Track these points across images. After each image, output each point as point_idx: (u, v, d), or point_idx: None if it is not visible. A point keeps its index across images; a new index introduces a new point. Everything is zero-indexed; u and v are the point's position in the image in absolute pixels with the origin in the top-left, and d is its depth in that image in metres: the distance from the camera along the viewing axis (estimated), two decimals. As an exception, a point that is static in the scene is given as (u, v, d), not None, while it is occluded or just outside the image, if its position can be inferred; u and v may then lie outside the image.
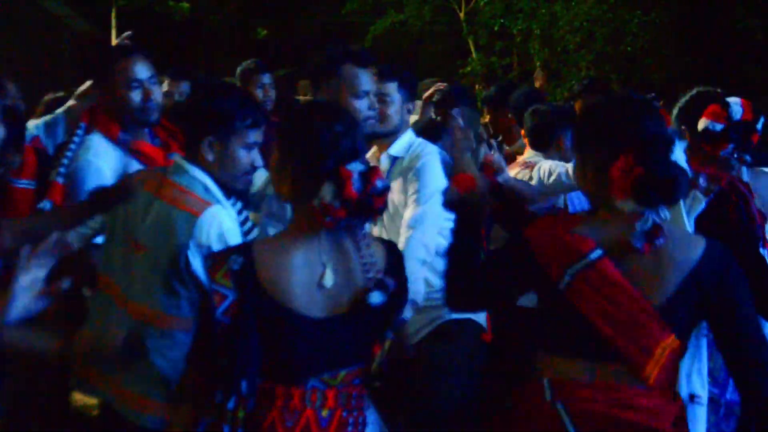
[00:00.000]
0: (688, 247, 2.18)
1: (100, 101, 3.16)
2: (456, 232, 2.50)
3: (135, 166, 3.09)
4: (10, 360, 3.23)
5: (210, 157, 2.56)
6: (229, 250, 2.20)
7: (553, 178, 3.84)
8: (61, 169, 3.10)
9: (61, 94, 5.53)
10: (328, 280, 2.12)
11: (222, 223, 2.50)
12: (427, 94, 5.12)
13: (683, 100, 3.12)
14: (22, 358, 3.42)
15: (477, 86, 15.87)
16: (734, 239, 2.66)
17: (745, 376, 2.17)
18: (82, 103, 3.65)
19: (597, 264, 2.18)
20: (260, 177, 3.35)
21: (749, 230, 2.85)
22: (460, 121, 2.71)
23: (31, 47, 16.21)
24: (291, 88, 8.70)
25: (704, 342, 2.86)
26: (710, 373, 2.97)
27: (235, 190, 2.66)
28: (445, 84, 5.34)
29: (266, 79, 5.39)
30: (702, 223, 2.84)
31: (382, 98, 3.33)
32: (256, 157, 2.61)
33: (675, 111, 3.12)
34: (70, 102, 3.85)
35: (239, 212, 2.69)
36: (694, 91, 3.15)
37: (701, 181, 2.80)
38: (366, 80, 3.04)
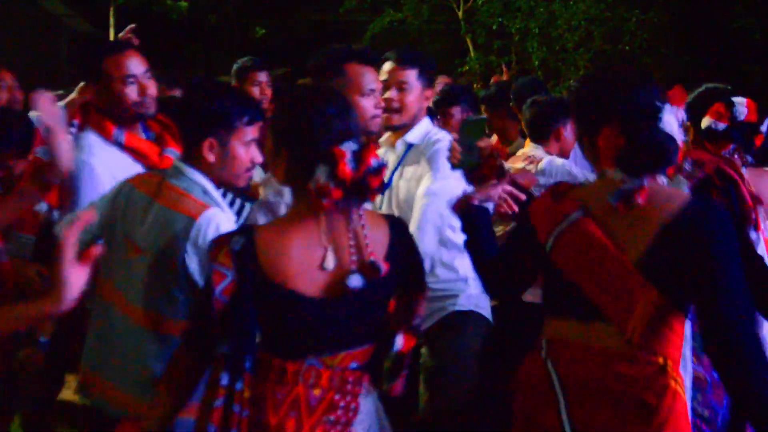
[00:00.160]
0: (667, 202, 2.16)
1: (94, 98, 3.14)
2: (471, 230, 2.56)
3: (129, 163, 3.08)
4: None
5: (211, 158, 2.56)
6: (232, 233, 2.22)
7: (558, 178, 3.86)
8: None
9: (60, 92, 5.54)
10: (330, 262, 2.12)
11: (219, 225, 2.50)
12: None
13: (691, 96, 3.10)
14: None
15: (475, 85, 15.87)
16: None
17: (722, 363, 2.05)
18: (84, 97, 3.65)
19: (577, 223, 2.23)
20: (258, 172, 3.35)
21: (737, 214, 2.83)
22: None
23: (30, 46, 16.21)
24: (289, 86, 8.68)
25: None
26: (694, 352, 2.94)
27: (237, 187, 2.68)
28: (449, 79, 5.31)
29: (262, 77, 5.38)
30: None
31: (401, 86, 3.27)
32: (255, 153, 2.62)
33: (684, 106, 3.11)
34: (72, 95, 3.85)
35: (238, 212, 2.69)
36: (702, 88, 3.13)
37: (686, 165, 2.81)
38: (371, 78, 3.02)
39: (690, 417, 2.26)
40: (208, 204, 2.54)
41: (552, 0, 15.90)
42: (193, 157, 2.59)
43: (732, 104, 2.97)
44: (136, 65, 3.11)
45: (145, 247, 2.57)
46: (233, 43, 21.53)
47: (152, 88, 3.14)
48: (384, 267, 2.10)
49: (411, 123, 3.31)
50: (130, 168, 3.02)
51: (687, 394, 2.54)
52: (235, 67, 5.42)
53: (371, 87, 2.99)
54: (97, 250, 1.92)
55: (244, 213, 2.91)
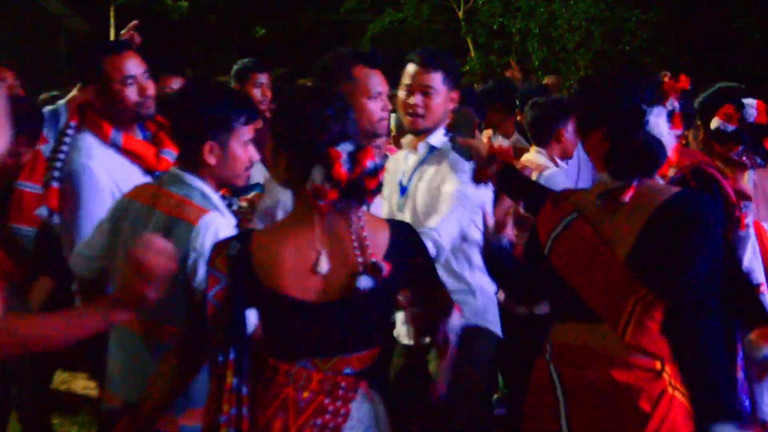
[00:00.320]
0: (654, 196, 2.17)
1: (93, 99, 3.12)
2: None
3: (126, 165, 3.06)
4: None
5: (212, 160, 2.56)
6: (231, 238, 2.23)
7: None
8: (55, 173, 3.07)
9: (55, 92, 5.54)
10: (323, 266, 2.11)
11: (218, 230, 2.50)
12: None
13: (703, 95, 3.08)
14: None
15: (476, 85, 15.85)
16: None
17: (677, 351, 2.09)
18: (83, 94, 3.63)
19: (571, 225, 2.26)
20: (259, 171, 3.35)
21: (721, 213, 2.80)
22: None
23: (30, 45, 16.19)
24: (289, 87, 8.68)
25: None
26: None
27: (237, 187, 2.68)
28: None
29: (263, 78, 5.38)
30: None
31: (425, 90, 3.22)
32: (252, 151, 2.63)
33: (695, 104, 3.08)
34: (74, 92, 3.84)
35: (228, 206, 2.69)
36: (715, 87, 3.10)
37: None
38: (378, 81, 3.00)
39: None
40: (207, 209, 2.53)
41: (552, 0, 15.90)
42: (191, 162, 2.59)
43: (742, 106, 2.96)
44: (135, 66, 3.10)
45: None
46: (233, 43, 21.52)
47: (151, 89, 3.13)
48: (386, 267, 2.09)
49: (435, 127, 3.27)
50: (128, 170, 3.01)
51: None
52: (235, 68, 5.41)
53: (378, 90, 2.97)
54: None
55: (233, 208, 2.91)
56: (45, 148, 3.86)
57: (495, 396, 4.63)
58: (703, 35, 16.20)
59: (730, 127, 2.93)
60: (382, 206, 3.39)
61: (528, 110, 4.41)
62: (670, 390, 2.14)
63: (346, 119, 2.17)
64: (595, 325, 2.19)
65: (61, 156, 3.09)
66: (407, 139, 3.36)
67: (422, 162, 3.26)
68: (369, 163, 2.08)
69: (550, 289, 2.35)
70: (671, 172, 2.70)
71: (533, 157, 4.33)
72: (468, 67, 16.69)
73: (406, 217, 3.22)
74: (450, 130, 3.16)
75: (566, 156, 4.35)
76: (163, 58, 5.43)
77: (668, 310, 2.09)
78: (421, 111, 3.22)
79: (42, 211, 3.08)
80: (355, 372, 2.17)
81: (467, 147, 2.85)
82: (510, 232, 2.97)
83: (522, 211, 3.26)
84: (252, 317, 2.11)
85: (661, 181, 2.26)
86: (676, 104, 2.59)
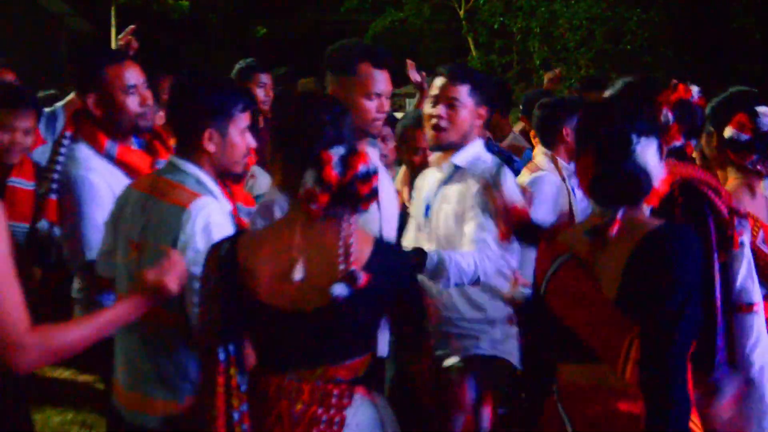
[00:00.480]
0: (637, 230, 2.15)
1: (92, 108, 3.09)
2: None
3: (121, 176, 3.05)
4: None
5: (212, 148, 2.57)
6: (225, 238, 2.20)
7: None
8: (53, 185, 3.06)
9: (52, 91, 5.53)
10: (297, 273, 2.07)
11: (210, 214, 2.49)
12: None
13: (716, 100, 3.04)
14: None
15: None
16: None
17: (644, 386, 2.08)
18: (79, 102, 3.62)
19: (564, 266, 2.23)
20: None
21: (711, 231, 2.76)
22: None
23: (31, 45, 16.23)
24: (291, 86, 8.68)
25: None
26: None
27: (235, 174, 2.70)
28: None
29: (266, 78, 5.37)
30: None
31: (450, 102, 3.10)
32: (250, 139, 2.64)
33: (708, 109, 3.03)
34: (71, 96, 3.81)
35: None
36: (727, 92, 3.05)
37: None
38: (380, 82, 2.92)
39: None
40: (200, 193, 2.54)
41: (553, -1, 15.95)
42: (189, 151, 2.60)
43: (756, 114, 2.92)
44: (136, 75, 3.09)
45: (142, 242, 2.57)
46: (234, 43, 21.55)
47: (150, 99, 3.12)
48: (363, 277, 2.03)
49: (461, 142, 3.14)
50: (124, 181, 3.00)
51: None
52: (237, 68, 5.39)
53: (378, 91, 2.90)
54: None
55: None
56: (42, 149, 3.85)
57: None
58: (703, 35, 16.21)
59: (744, 137, 2.89)
60: (410, 224, 3.34)
61: (535, 112, 4.41)
62: None
63: (343, 124, 2.14)
64: (597, 365, 2.19)
65: (58, 167, 3.06)
66: (435, 156, 3.28)
67: (446, 182, 3.18)
68: (361, 168, 2.03)
69: (549, 330, 2.33)
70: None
71: (536, 158, 4.33)
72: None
73: (427, 238, 3.17)
74: None
75: (573, 157, 4.32)
76: (161, 59, 5.42)
77: (641, 342, 2.10)
78: (444, 123, 3.10)
79: (42, 225, 3.06)
80: (346, 380, 2.12)
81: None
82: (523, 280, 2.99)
83: None
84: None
85: (647, 212, 2.24)
86: (670, 116, 2.58)
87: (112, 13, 18.02)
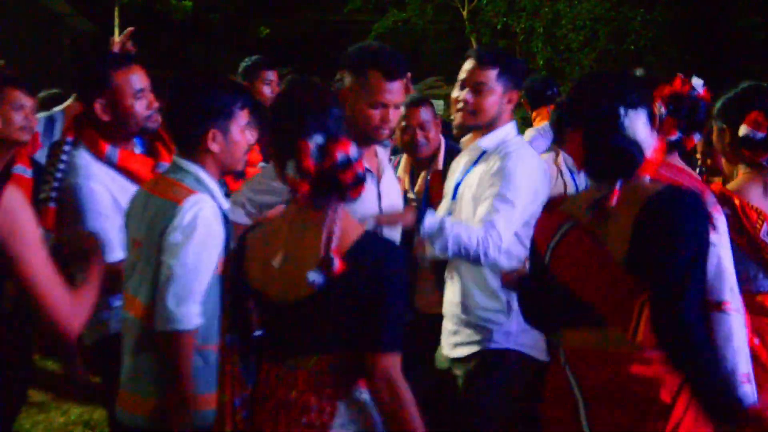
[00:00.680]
0: (639, 196, 2.19)
1: (99, 114, 3.05)
2: None
3: (122, 182, 3.04)
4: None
5: (215, 148, 2.59)
6: (243, 232, 2.28)
7: None
8: (53, 194, 3.04)
9: (55, 91, 5.51)
10: (276, 261, 2.10)
11: (200, 210, 2.50)
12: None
13: (727, 96, 3.01)
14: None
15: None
16: None
17: (668, 348, 2.13)
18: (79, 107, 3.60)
19: (568, 234, 2.26)
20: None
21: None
22: None
23: (33, 45, 16.24)
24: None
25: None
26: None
27: (237, 171, 2.73)
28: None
29: (272, 75, 5.35)
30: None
31: (478, 87, 3.04)
32: (249, 136, 2.66)
33: (718, 105, 3.01)
34: (69, 101, 3.80)
35: None
36: (739, 89, 3.02)
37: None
38: (388, 93, 2.85)
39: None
40: (195, 190, 2.55)
41: (557, 0, 15.92)
42: (191, 152, 2.60)
43: None
44: (143, 79, 3.09)
45: (142, 239, 2.59)
46: (237, 43, 21.54)
47: (155, 102, 3.12)
48: (338, 263, 2.02)
49: (489, 126, 3.09)
50: (125, 186, 2.99)
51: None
52: (243, 65, 5.37)
53: (384, 102, 2.87)
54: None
55: None
56: (40, 153, 3.83)
57: None
58: (707, 35, 16.19)
59: (760, 135, 2.87)
60: (441, 206, 3.29)
61: (552, 113, 4.42)
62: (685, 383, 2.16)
63: (328, 116, 2.14)
64: (606, 329, 2.20)
65: (58, 175, 3.05)
66: (466, 138, 3.24)
67: (473, 165, 3.14)
68: (340, 156, 2.03)
69: (554, 298, 2.34)
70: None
71: (527, 133, 4.42)
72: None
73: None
74: None
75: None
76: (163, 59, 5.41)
77: (652, 302, 2.12)
78: (470, 108, 3.09)
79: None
80: (340, 370, 2.11)
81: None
82: None
83: None
84: None
85: (646, 179, 2.25)
86: (663, 110, 2.58)
87: (115, 13, 18.00)
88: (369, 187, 2.84)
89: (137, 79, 3.05)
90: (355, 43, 3.08)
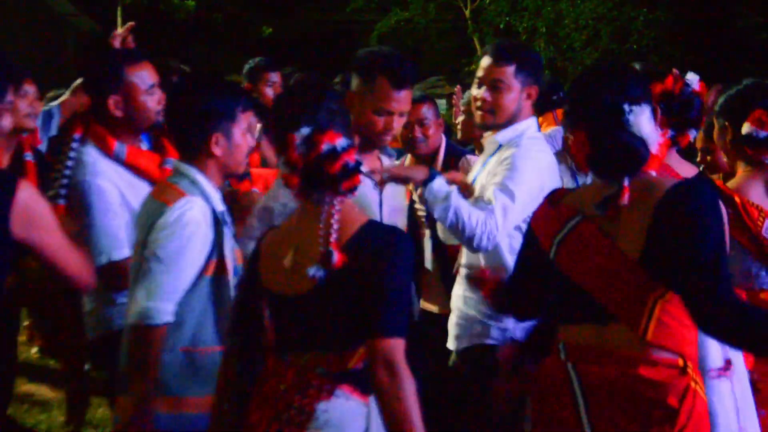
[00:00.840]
0: (654, 191, 2.16)
1: (112, 110, 3.05)
2: None
3: (130, 178, 3.04)
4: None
5: (219, 151, 2.59)
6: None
7: None
8: (62, 191, 3.04)
9: (62, 91, 5.52)
10: (287, 260, 2.11)
11: (187, 211, 2.50)
12: None
13: (728, 93, 3.00)
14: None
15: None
16: None
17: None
18: (80, 98, 3.59)
19: (577, 228, 2.23)
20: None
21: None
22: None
23: (36, 44, 16.24)
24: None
25: None
26: None
27: (240, 174, 2.73)
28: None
29: (276, 77, 5.36)
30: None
31: (495, 85, 3.00)
32: (250, 138, 2.67)
33: (720, 101, 3.00)
34: (65, 96, 3.80)
35: None
36: (741, 86, 3.01)
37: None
38: (394, 101, 2.80)
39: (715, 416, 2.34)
40: (187, 193, 2.55)
41: (559, -1, 15.93)
42: (194, 156, 2.60)
43: None
44: (154, 74, 3.09)
45: (140, 241, 2.60)
46: (239, 43, 21.55)
47: (163, 97, 3.12)
48: (337, 256, 2.00)
49: (507, 124, 3.04)
50: (134, 182, 3.00)
51: (717, 393, 2.52)
52: (247, 67, 5.37)
53: (389, 109, 2.85)
54: None
55: None
56: (39, 148, 3.84)
57: None
58: (710, 35, 16.17)
59: (763, 133, 2.86)
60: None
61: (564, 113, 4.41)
62: (692, 385, 2.15)
63: (319, 109, 2.12)
64: (611, 326, 2.18)
65: (66, 172, 3.05)
66: (486, 135, 3.22)
67: (489, 157, 3.12)
68: (325, 146, 2.01)
69: (557, 293, 2.32)
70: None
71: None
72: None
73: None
74: None
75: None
76: (166, 59, 5.40)
77: (687, 304, 2.09)
78: (488, 107, 3.07)
79: None
80: (329, 372, 2.10)
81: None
82: None
83: None
84: None
85: (653, 174, 2.23)
86: (656, 106, 2.58)
87: (119, 12, 18.01)
88: (369, 192, 2.84)
89: (148, 75, 3.06)
90: (357, 43, 3.08)
